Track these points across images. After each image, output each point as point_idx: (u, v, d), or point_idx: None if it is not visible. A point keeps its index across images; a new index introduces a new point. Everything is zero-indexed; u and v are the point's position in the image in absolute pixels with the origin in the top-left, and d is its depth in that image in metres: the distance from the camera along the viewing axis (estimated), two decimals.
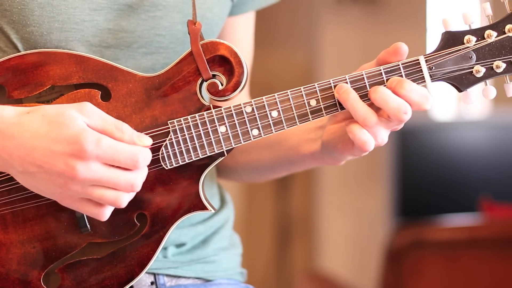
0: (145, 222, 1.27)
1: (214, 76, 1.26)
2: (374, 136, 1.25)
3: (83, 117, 1.18)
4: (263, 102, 1.26)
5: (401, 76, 1.25)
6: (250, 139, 1.26)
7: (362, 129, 1.24)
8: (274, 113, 1.26)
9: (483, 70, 1.26)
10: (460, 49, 1.25)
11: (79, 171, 1.16)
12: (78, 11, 1.30)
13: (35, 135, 1.18)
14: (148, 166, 1.22)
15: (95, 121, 1.19)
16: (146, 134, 1.26)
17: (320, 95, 1.26)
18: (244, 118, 1.26)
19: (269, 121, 1.26)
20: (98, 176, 1.17)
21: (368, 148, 1.25)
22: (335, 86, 1.26)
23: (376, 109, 1.25)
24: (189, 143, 1.26)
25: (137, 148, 1.19)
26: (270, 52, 4.78)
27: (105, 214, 1.21)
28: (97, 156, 1.17)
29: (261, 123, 1.26)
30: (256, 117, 1.26)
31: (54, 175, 1.18)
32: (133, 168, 1.19)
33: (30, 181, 1.21)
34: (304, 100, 1.26)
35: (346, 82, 1.26)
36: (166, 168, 1.26)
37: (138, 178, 1.20)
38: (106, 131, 1.19)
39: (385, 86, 1.25)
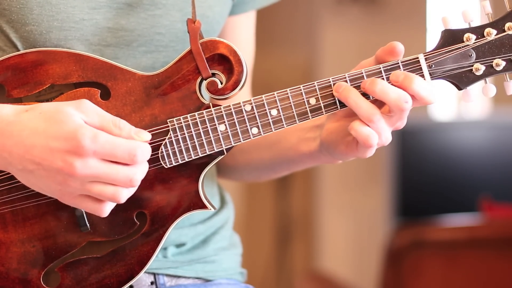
0: (144, 220, 1.27)
1: (213, 74, 1.26)
2: (378, 134, 1.24)
3: (80, 114, 1.18)
4: (263, 100, 1.26)
5: None
6: (250, 138, 1.26)
7: (363, 124, 1.23)
8: (274, 112, 1.26)
9: (482, 68, 1.25)
10: (460, 47, 1.25)
11: (77, 167, 1.16)
12: (77, 9, 1.30)
13: (34, 133, 1.18)
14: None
15: (93, 118, 1.18)
16: None
17: (320, 94, 1.26)
18: (243, 116, 1.26)
19: (268, 119, 1.26)
20: (96, 171, 1.17)
21: (372, 143, 1.23)
22: (334, 85, 1.25)
23: (378, 106, 1.25)
24: (188, 142, 1.25)
25: (134, 142, 1.19)
26: (270, 52, 4.78)
27: (105, 210, 1.21)
28: (94, 152, 1.16)
29: (260, 122, 1.26)
30: (255, 116, 1.26)
31: (53, 172, 1.18)
32: (131, 163, 1.19)
33: (30, 179, 1.21)
34: (303, 99, 1.26)
35: (346, 81, 1.25)
36: (166, 167, 1.26)
37: (137, 173, 1.19)
38: (103, 128, 1.18)
39: (389, 82, 1.24)
